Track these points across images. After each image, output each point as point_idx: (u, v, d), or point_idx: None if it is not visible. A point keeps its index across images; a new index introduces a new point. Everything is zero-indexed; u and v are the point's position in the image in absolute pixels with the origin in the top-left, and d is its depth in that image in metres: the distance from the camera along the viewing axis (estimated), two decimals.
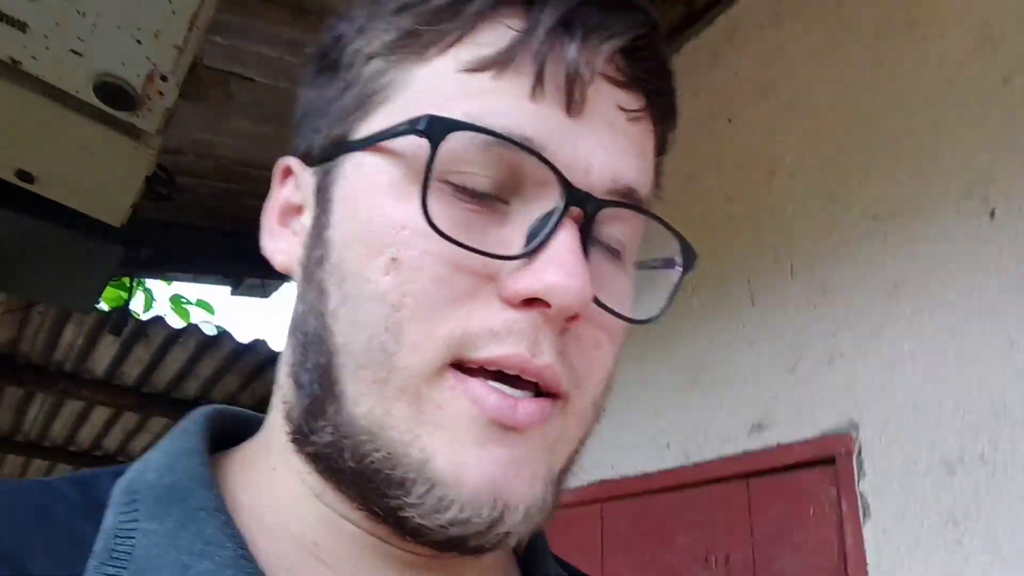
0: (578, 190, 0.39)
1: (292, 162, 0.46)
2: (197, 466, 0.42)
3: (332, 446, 0.39)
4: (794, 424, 1.41)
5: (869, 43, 1.46)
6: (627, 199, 0.42)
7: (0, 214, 1.89)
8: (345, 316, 0.40)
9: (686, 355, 1.68)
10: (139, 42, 1.30)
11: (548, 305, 0.37)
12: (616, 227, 0.43)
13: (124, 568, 0.37)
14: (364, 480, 0.38)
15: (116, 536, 0.38)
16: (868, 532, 1.26)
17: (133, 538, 0.38)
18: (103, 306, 3.28)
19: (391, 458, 0.38)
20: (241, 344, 3.36)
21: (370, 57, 0.43)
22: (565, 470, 0.43)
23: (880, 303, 1.33)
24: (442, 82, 0.40)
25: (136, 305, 4.43)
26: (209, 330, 3.30)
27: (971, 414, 1.18)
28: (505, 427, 0.38)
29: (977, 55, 1.29)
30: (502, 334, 0.38)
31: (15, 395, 3.54)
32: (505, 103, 0.39)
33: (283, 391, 0.44)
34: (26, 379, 3.30)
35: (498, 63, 0.39)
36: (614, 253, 0.43)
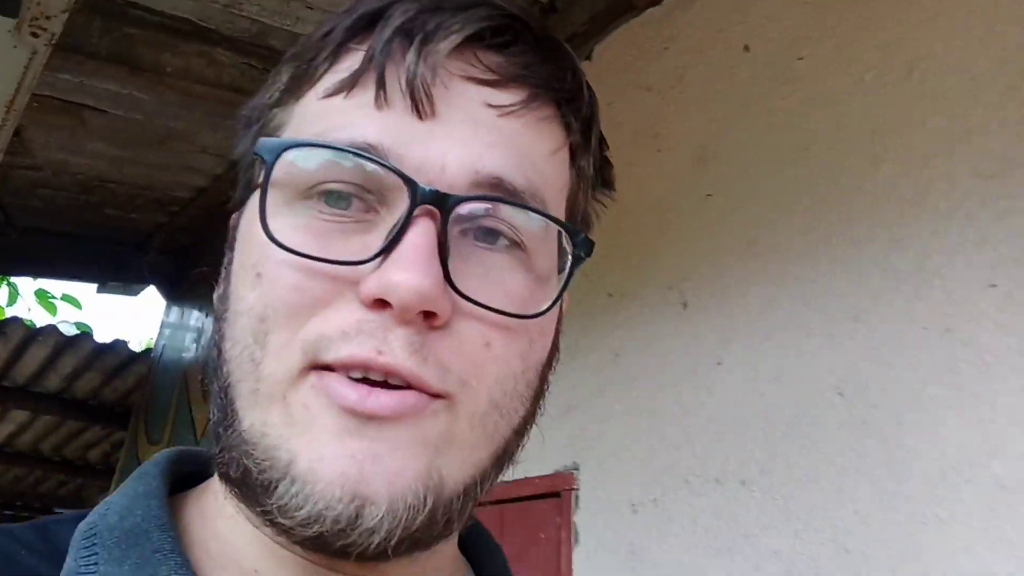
0: (423, 187, 0.39)
1: (233, 218, 0.48)
2: (155, 508, 0.42)
3: (227, 463, 0.40)
4: (536, 461, 1.68)
5: (621, 148, 1.74)
6: (497, 191, 0.41)
7: None
8: (228, 335, 0.41)
9: None
10: None
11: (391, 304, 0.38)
12: (504, 221, 0.42)
13: None
14: (246, 490, 0.39)
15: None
16: (576, 557, 1.54)
17: None
18: None
19: (262, 463, 0.38)
20: (102, 343, 3.45)
21: (269, 107, 0.46)
22: (473, 478, 0.41)
23: (605, 367, 1.62)
24: (306, 112, 0.43)
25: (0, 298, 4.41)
26: (68, 329, 3.38)
27: (652, 466, 1.47)
28: (361, 417, 0.38)
29: (691, 172, 1.59)
30: (351, 334, 0.38)
31: None
32: (352, 117, 0.41)
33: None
34: None
35: (347, 83, 0.42)
36: (514, 247, 0.42)
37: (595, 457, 1.58)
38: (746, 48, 1.55)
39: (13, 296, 3.65)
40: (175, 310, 3.54)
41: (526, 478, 1.69)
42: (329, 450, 0.37)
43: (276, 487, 0.37)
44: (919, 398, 1.15)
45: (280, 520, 0.37)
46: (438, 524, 0.39)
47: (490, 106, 0.42)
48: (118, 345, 3.46)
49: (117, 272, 3.42)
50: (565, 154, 0.47)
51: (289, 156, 0.41)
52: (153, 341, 3.64)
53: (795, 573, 1.22)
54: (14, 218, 3.14)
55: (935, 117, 1.23)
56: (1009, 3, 1.18)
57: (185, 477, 0.48)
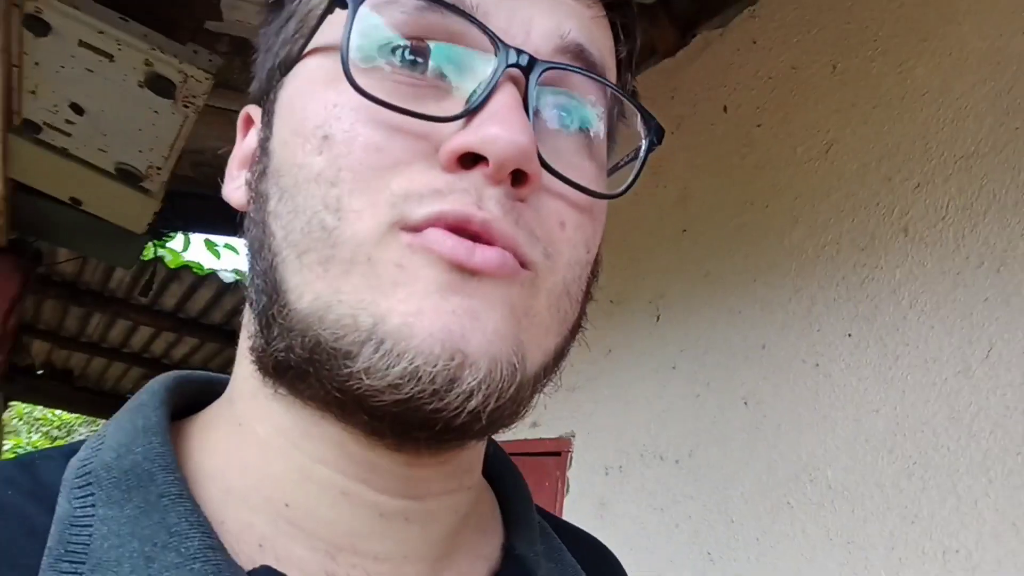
0: (513, 48, 0.37)
1: (250, 109, 0.45)
2: (157, 446, 0.39)
3: (287, 349, 0.37)
4: (546, 427, 2.14)
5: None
6: (578, 61, 0.40)
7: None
8: (283, 209, 0.38)
9: None
10: (140, 151, 2.04)
11: (487, 162, 0.35)
12: (577, 100, 0.41)
13: (83, 563, 0.34)
14: (315, 367, 0.36)
15: (72, 525, 0.35)
16: (567, 503, 2.01)
17: (91, 526, 0.35)
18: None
19: (337, 332, 0.35)
20: None
21: None
22: (542, 367, 0.40)
23: (600, 360, 2.04)
24: None
25: (176, 244, 5.31)
26: (227, 277, 4.10)
27: (621, 441, 1.90)
28: (464, 271, 0.35)
29: (675, 206, 1.94)
30: (444, 191, 0.36)
31: (78, 313, 4.44)
32: None
33: (247, 330, 0.42)
34: (86, 301, 4.16)
35: None
36: (583, 134, 0.41)
37: (586, 429, 2.02)
38: (724, 109, 1.87)
39: (186, 243, 4.44)
40: None
41: (539, 439, 2.17)
42: (429, 303, 0.34)
43: (360, 350, 0.34)
44: (792, 413, 1.51)
45: (367, 382, 0.34)
46: (520, 402, 0.37)
47: None
48: None
49: None
50: (614, 61, 0.45)
51: (370, 4, 0.37)
52: None
53: (699, 533, 1.64)
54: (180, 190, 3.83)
55: (838, 191, 1.54)
56: (902, 97, 1.46)
57: (185, 405, 0.45)
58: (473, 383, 0.34)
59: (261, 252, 0.39)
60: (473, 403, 0.34)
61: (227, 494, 0.40)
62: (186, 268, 3.97)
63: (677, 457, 1.74)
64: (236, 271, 4.80)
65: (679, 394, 1.78)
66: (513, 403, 0.37)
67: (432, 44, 0.38)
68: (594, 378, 2.04)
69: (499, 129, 0.35)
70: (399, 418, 0.36)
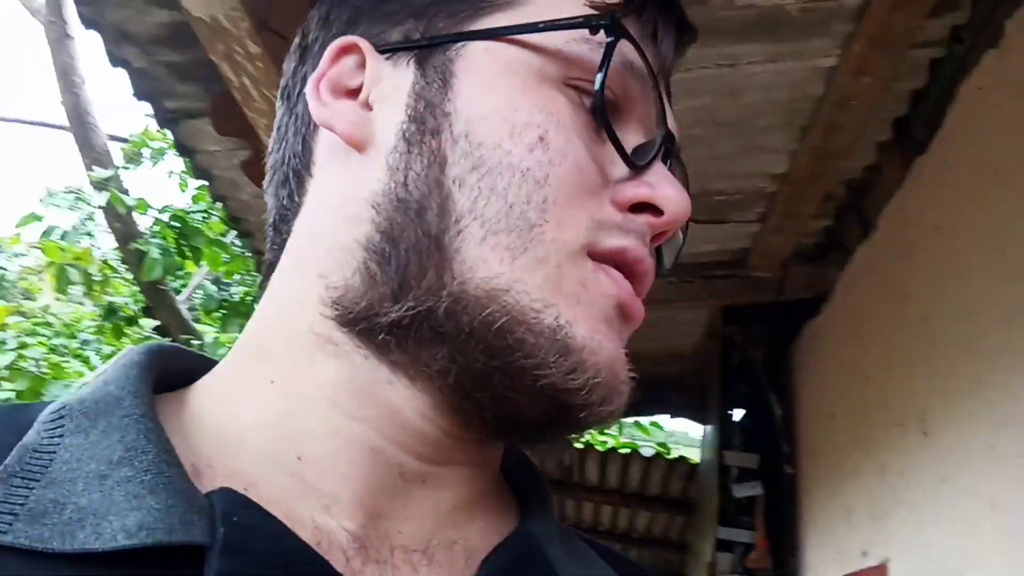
0: (672, 130, 0.44)
1: (358, 42, 0.44)
2: (132, 377, 0.39)
3: (429, 312, 0.38)
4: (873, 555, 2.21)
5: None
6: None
7: None
8: (475, 182, 0.39)
9: None
10: None
11: (660, 213, 0.41)
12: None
13: (37, 480, 0.34)
14: (474, 341, 0.38)
15: (34, 451, 0.36)
16: None
17: (54, 452, 0.36)
18: None
19: (518, 320, 0.37)
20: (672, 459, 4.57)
21: None
22: None
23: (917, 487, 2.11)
24: (571, 5, 0.42)
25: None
26: (646, 452, 4.57)
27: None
28: (625, 317, 0.41)
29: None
30: (624, 228, 0.41)
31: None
32: (636, 33, 0.42)
33: (328, 278, 0.41)
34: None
35: (620, 8, 0.42)
36: None
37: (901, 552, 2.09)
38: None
39: (620, 428, 5.18)
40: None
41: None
42: (603, 329, 0.39)
43: (541, 348, 0.37)
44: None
45: (546, 379, 0.37)
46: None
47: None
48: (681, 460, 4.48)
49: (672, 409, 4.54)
50: None
51: (621, 53, 0.41)
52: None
53: None
54: None
55: None
56: None
57: (183, 373, 0.44)
58: (620, 404, 0.40)
59: (425, 212, 0.39)
60: (610, 416, 0.39)
61: (223, 444, 0.39)
62: (613, 449, 4.58)
63: None
64: (658, 444, 5.40)
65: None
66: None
67: (617, 93, 0.42)
68: (903, 502, 2.11)
69: (674, 191, 0.41)
70: (546, 414, 0.39)
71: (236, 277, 4.84)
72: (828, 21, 1.65)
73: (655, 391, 4.14)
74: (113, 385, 0.39)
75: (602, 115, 0.41)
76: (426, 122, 0.42)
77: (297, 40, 0.50)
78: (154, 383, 0.41)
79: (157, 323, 4.84)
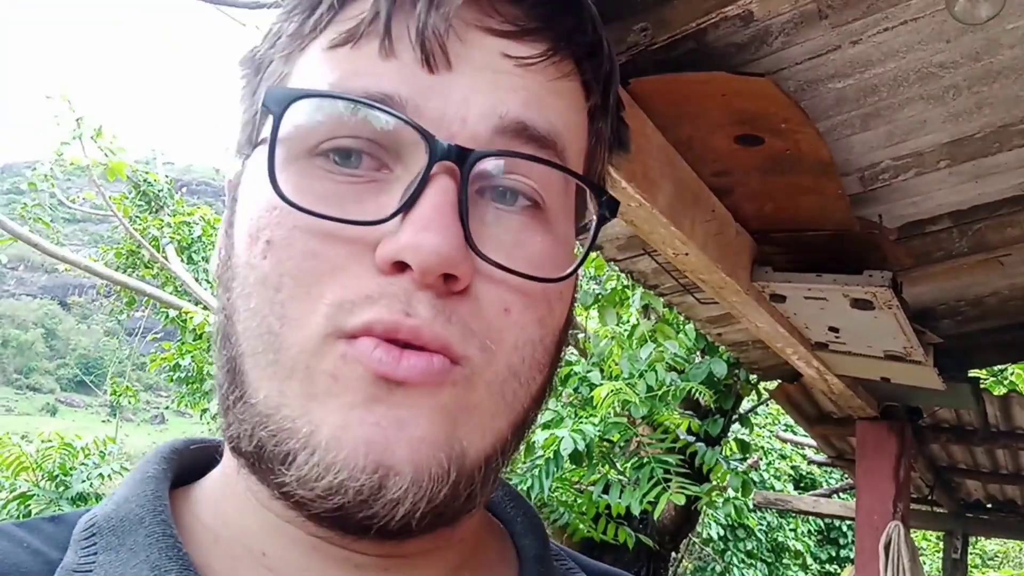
0: (441, 142, 0.37)
1: (232, 177, 0.45)
2: (150, 493, 0.42)
3: (238, 437, 0.39)
4: None
5: None
6: (521, 137, 0.40)
7: None
8: (241, 306, 0.39)
9: None
10: (894, 338, 2.59)
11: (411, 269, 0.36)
12: (524, 179, 0.41)
13: None
14: (259, 462, 0.38)
15: (73, 572, 0.39)
16: None
17: (91, 571, 0.39)
18: None
19: (279, 435, 0.37)
20: None
21: (270, 61, 0.43)
22: (496, 448, 0.40)
23: None
24: (312, 63, 0.41)
25: None
26: None
27: None
28: (390, 383, 0.37)
29: None
30: (375, 297, 0.37)
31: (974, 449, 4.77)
32: (360, 66, 0.39)
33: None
34: (973, 439, 4.33)
35: (353, 32, 0.40)
36: (534, 208, 0.41)
37: None
38: None
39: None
40: None
41: None
42: (354, 416, 0.36)
43: (295, 458, 0.36)
44: None
45: (299, 492, 0.36)
46: (461, 497, 0.38)
47: (508, 56, 0.40)
48: None
49: None
50: (584, 115, 0.45)
51: (298, 108, 0.38)
52: None
53: None
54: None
55: None
56: None
57: (196, 466, 0.47)
58: (399, 492, 0.35)
59: (227, 340, 0.40)
60: (402, 510, 0.36)
61: (215, 543, 0.42)
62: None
63: None
64: None
65: None
66: (453, 499, 0.37)
67: (366, 140, 0.39)
68: None
69: (421, 237, 0.36)
70: (337, 522, 0.37)
71: (606, 270, 4.98)
72: None
73: None
74: (135, 504, 0.42)
75: (279, 194, 0.38)
76: (222, 255, 0.43)
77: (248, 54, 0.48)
78: (172, 482, 0.45)
79: None
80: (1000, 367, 5.08)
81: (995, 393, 4.06)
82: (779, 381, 4.09)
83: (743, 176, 1.91)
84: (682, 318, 3.55)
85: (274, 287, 0.38)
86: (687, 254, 1.84)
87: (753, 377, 4.29)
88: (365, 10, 0.40)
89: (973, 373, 3.90)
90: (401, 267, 0.37)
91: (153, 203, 8.66)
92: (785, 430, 9.51)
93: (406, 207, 0.37)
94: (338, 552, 0.41)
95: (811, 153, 1.81)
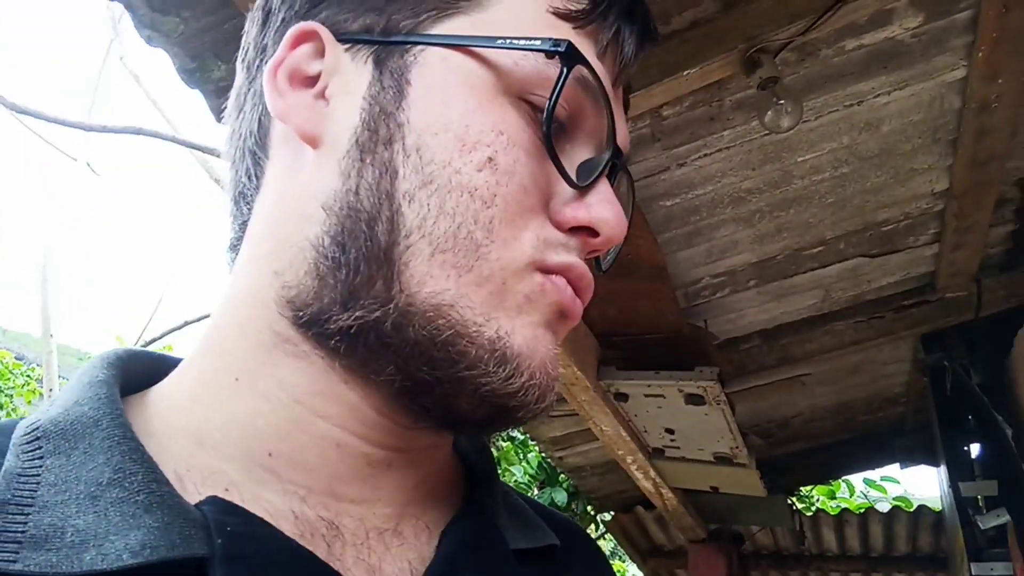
0: (620, 147, 0.45)
1: (318, 29, 0.44)
2: (104, 397, 0.40)
3: (377, 323, 0.39)
4: None
5: None
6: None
7: None
8: (424, 199, 0.40)
9: None
10: (718, 440, 2.83)
11: (596, 235, 0.43)
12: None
13: (30, 505, 0.35)
14: (418, 352, 0.40)
15: (19, 476, 0.36)
16: None
17: (38, 475, 0.36)
18: None
19: (460, 334, 0.39)
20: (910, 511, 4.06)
21: None
22: None
23: None
24: (533, 14, 0.43)
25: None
26: (883, 508, 4.14)
27: None
28: (564, 316, 0.44)
29: None
30: (567, 246, 0.43)
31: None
32: (586, 51, 0.43)
33: (282, 276, 0.42)
34: (789, 564, 4.43)
35: (582, 18, 0.44)
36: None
37: None
38: None
39: (836, 487, 4.88)
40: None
41: None
42: (541, 333, 0.42)
43: (480, 359, 0.39)
44: None
45: (486, 386, 0.40)
46: None
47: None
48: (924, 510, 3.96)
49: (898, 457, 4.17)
50: None
51: (577, 72, 0.42)
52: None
53: None
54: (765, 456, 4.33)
55: None
56: None
57: (144, 376, 0.45)
58: (552, 398, 0.43)
59: (380, 225, 0.40)
60: (543, 410, 0.42)
61: (199, 445, 0.40)
62: (846, 510, 4.24)
63: None
64: (895, 499, 4.95)
65: None
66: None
67: (571, 118, 0.44)
68: None
69: (611, 214, 0.43)
70: (484, 412, 0.41)
71: None
72: (944, 39, 1.74)
73: (875, 441, 4.04)
74: (87, 406, 0.39)
75: (548, 142, 0.41)
76: (379, 131, 0.42)
77: (260, 2, 0.49)
78: (121, 391, 0.42)
79: None
80: (808, 488, 5.53)
81: (806, 514, 4.37)
82: (613, 513, 4.22)
83: None
84: (528, 443, 3.64)
85: (484, 202, 0.40)
86: None
87: (591, 508, 4.40)
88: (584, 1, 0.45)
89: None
90: (576, 231, 0.43)
91: None
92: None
93: (592, 183, 0.43)
94: (360, 446, 0.42)
95: (648, 258, 2.06)
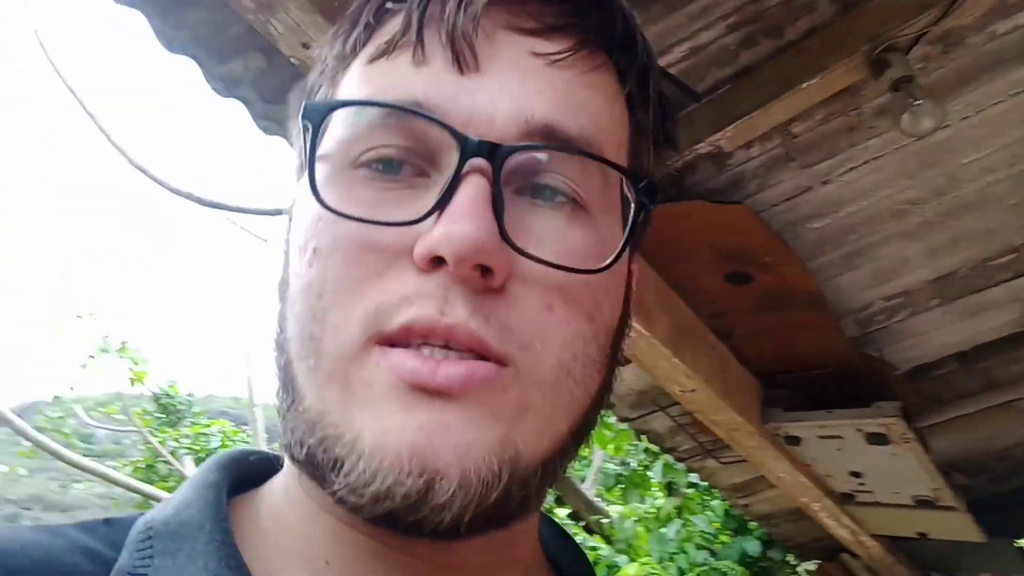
0: (472, 139, 0.38)
1: (289, 204, 0.47)
2: (211, 500, 0.42)
3: (292, 444, 0.40)
4: None
5: None
6: (549, 139, 0.40)
7: None
8: (289, 314, 0.41)
9: None
10: (913, 482, 2.53)
11: (444, 262, 0.36)
12: (560, 175, 0.40)
13: None
14: (313, 470, 0.39)
15: (128, 574, 0.38)
16: None
17: (146, 575, 0.38)
18: None
19: (325, 441, 0.37)
20: None
21: (319, 87, 0.46)
22: (548, 456, 0.39)
23: None
24: (352, 80, 0.43)
25: None
26: None
27: None
28: (430, 392, 0.36)
29: None
30: (411, 298, 0.37)
31: None
32: (395, 78, 0.40)
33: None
34: None
35: (389, 44, 0.41)
36: (574, 204, 0.41)
37: None
38: None
39: None
40: None
41: None
42: (395, 422, 0.36)
43: (342, 465, 0.36)
44: None
45: (350, 499, 0.36)
46: (514, 500, 0.37)
47: (536, 55, 0.41)
48: None
49: None
50: (622, 106, 0.45)
51: (335, 120, 0.40)
52: None
53: None
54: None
55: None
56: None
57: (254, 476, 0.47)
58: (444, 497, 0.35)
59: (280, 348, 0.41)
60: (449, 515, 0.35)
61: (277, 551, 0.41)
62: None
63: None
64: None
65: None
66: (504, 503, 0.37)
67: (403, 148, 0.40)
68: None
69: (454, 227, 0.36)
70: (388, 525, 0.37)
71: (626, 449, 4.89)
72: None
73: None
74: (195, 509, 0.42)
75: (319, 200, 0.39)
76: (281, 263, 0.45)
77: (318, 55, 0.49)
78: (229, 492, 0.45)
79: (569, 509, 5.11)
80: None
81: None
82: (818, 561, 3.89)
83: (738, 316, 1.99)
84: (706, 495, 3.47)
85: (316, 293, 0.39)
86: (693, 390, 1.88)
87: (790, 557, 4.09)
88: (399, 23, 0.42)
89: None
90: (437, 263, 0.37)
91: (172, 416, 8.78)
92: None
93: (440, 204, 0.38)
94: (399, 559, 0.41)
95: (799, 286, 1.91)
